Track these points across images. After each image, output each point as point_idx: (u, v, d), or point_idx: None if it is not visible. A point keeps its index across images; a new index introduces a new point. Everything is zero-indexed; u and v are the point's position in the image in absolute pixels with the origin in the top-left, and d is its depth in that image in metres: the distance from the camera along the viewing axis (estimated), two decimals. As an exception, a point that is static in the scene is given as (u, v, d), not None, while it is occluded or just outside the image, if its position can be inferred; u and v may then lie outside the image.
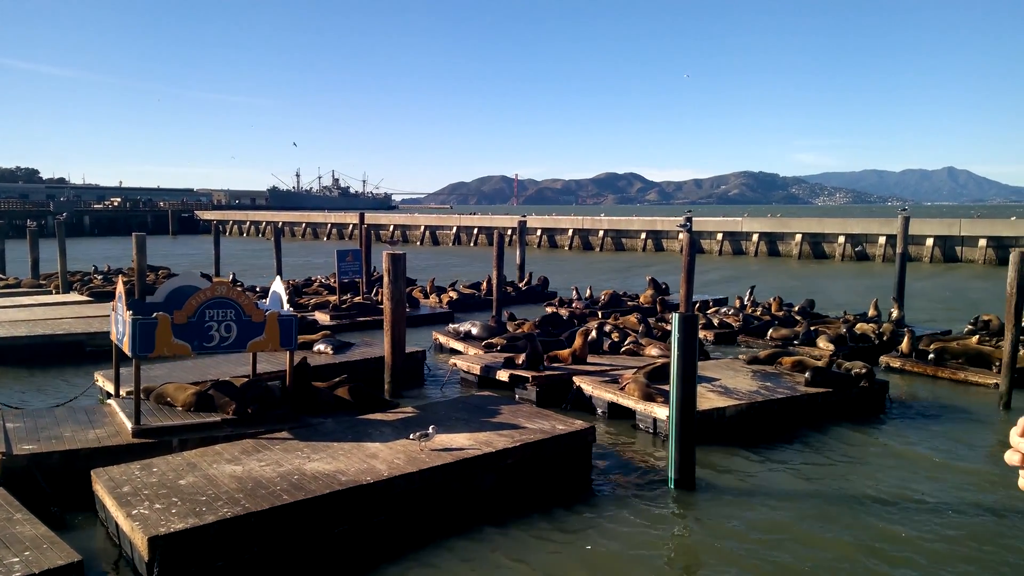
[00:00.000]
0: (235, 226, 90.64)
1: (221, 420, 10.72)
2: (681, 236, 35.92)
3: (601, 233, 60.21)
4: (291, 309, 11.77)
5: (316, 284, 30.07)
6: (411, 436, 9.51)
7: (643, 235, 57.71)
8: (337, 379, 12.81)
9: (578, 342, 15.46)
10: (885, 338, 18.94)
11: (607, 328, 18.02)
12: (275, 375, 13.04)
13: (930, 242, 46.10)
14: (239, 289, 12.03)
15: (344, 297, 24.71)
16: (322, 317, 22.45)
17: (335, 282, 26.22)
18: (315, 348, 16.06)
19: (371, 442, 9.74)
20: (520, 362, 14.57)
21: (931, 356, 16.74)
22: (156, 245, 67.11)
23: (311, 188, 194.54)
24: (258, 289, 27.88)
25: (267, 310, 11.18)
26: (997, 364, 15.34)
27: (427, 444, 9.37)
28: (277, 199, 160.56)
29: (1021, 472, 1.36)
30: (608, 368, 14.89)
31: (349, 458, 9.10)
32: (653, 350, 16.23)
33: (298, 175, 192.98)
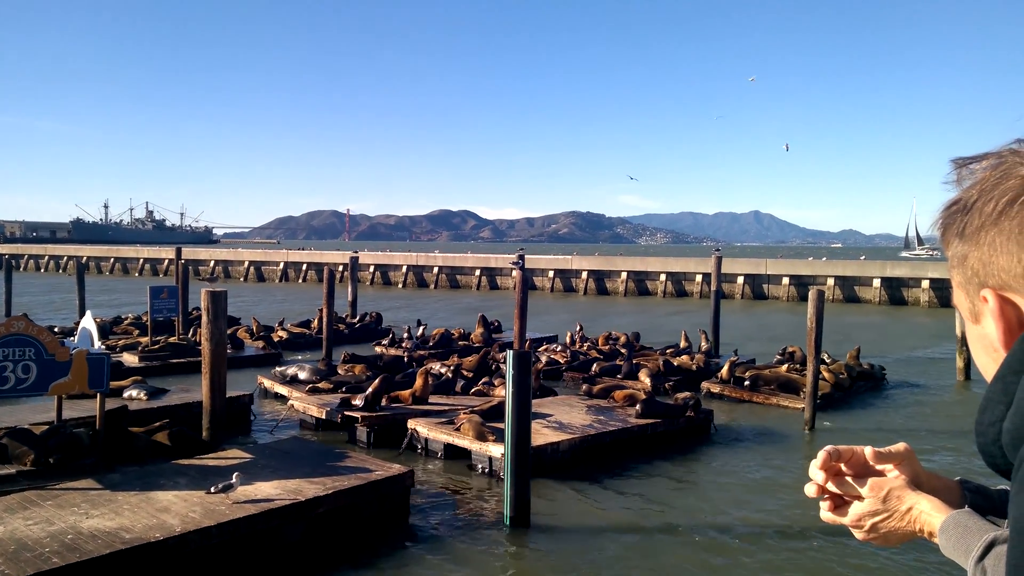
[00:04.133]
0: (31, 261, 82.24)
1: (16, 472, 9.53)
2: (514, 273, 36.55)
3: (436, 270, 60.09)
4: (103, 347, 10.67)
5: (126, 323, 27.59)
6: (211, 489, 8.69)
7: (477, 272, 58.21)
8: (158, 423, 11.71)
9: (419, 383, 15.01)
10: (698, 367, 20.40)
11: (442, 370, 17.65)
12: (86, 421, 11.67)
13: (740, 280, 49.77)
14: (39, 325, 10.77)
15: (157, 338, 22.74)
16: (130, 359, 20.52)
17: (148, 320, 24.11)
18: (124, 395, 14.50)
19: (164, 493, 8.87)
20: (356, 403, 13.89)
21: (747, 383, 18.26)
22: (-67, 281, 59.41)
23: (121, 220, 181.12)
24: (56, 329, 25.21)
25: (75, 348, 10.03)
26: (803, 390, 16.70)
27: (230, 495, 8.59)
28: (82, 232, 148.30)
29: (822, 503, 1.39)
30: (448, 408, 14.54)
31: (136, 513, 8.23)
32: (502, 390, 15.98)
33: (106, 206, 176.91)
